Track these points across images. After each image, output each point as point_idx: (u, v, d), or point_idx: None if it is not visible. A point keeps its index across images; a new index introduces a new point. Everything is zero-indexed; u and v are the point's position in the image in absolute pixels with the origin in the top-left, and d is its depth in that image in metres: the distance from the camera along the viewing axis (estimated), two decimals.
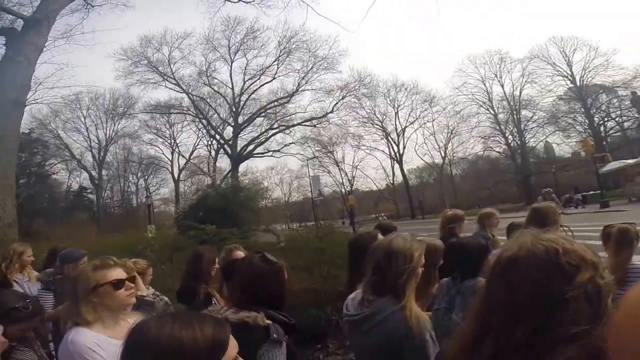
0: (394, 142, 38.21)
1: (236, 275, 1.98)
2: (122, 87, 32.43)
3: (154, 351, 0.82)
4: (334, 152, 37.81)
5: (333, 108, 33.31)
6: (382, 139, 38.51)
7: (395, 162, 38.88)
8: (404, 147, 38.38)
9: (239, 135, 32.84)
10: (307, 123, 33.29)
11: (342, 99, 33.47)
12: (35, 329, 2.18)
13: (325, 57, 32.44)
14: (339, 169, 39.57)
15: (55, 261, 3.77)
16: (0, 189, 12.00)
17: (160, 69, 30.40)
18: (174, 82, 30.95)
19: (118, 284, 1.85)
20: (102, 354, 1.68)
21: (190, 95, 31.72)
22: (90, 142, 32.83)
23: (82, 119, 32.47)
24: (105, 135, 33.38)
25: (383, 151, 39.10)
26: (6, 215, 11.89)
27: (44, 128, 29.99)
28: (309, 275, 5.28)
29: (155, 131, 34.56)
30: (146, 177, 37.05)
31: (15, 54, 13.87)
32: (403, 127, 38.05)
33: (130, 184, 37.31)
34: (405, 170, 39.45)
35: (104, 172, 33.73)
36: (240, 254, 3.02)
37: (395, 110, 37.72)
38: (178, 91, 31.65)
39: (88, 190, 32.20)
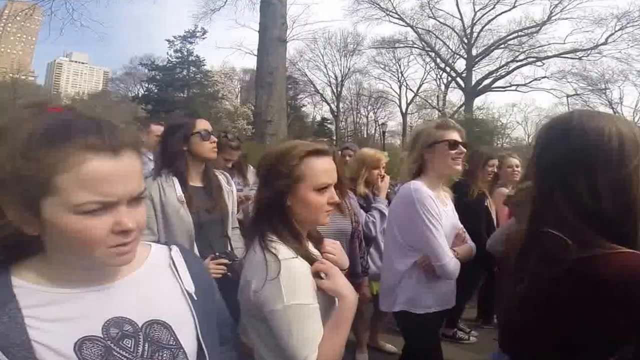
0: None
1: None
2: (350, 26, 33.63)
3: (591, 138, 0.83)
4: (608, 90, 30.07)
5: (607, 39, 26.66)
6: None
7: None
8: None
9: (473, 69, 29.99)
10: (568, 55, 27.77)
11: (620, 29, 26.36)
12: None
13: None
14: (614, 111, 31.30)
15: None
16: (277, 111, 14.80)
17: (381, 4, 29.71)
18: (397, 16, 29.94)
19: (454, 144, 1.85)
20: (434, 205, 1.82)
21: (414, 28, 30.33)
22: (329, 78, 36.62)
23: (321, 57, 36.12)
24: (340, 71, 36.38)
25: None
26: (281, 131, 14.76)
27: (293, 67, 34.93)
28: None
29: (383, 66, 35.31)
30: (375, 110, 39.40)
31: None
32: None
33: (361, 116, 40.57)
34: None
35: (340, 105, 37.48)
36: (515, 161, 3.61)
37: None
38: (402, 25, 30.60)
39: (328, 121, 36.93)
